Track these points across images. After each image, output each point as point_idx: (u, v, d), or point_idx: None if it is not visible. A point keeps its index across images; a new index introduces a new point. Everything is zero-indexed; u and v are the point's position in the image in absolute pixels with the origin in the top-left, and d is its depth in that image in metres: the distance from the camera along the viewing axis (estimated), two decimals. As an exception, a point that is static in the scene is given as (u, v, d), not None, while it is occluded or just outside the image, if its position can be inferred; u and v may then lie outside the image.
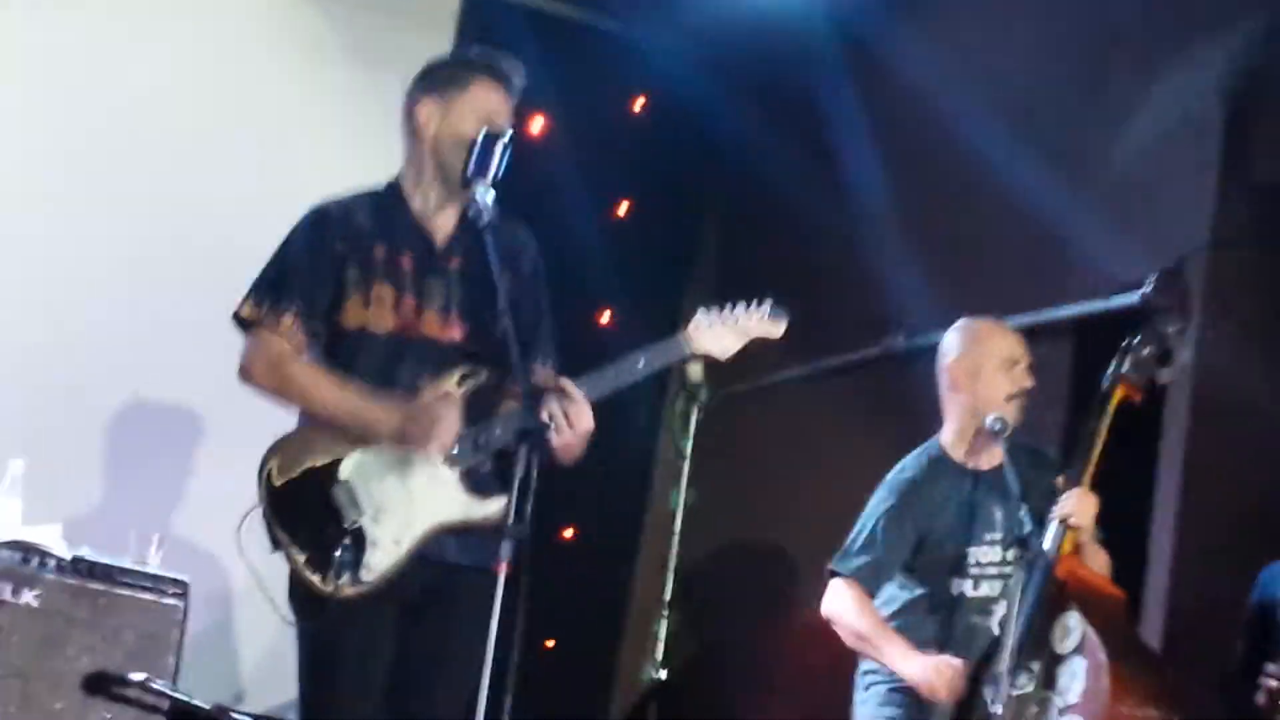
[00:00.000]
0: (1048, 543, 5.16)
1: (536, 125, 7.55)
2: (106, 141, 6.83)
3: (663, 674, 7.56)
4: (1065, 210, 6.76)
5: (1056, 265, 6.77)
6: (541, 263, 4.87)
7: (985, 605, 5.42)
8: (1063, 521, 5.20)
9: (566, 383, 4.58)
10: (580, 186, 7.67)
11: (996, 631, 5.31)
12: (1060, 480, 5.28)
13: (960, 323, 5.70)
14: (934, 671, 5.28)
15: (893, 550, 5.50)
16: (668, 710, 7.59)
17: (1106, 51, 6.81)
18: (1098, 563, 5.38)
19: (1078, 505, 5.21)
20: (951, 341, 5.67)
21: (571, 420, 4.53)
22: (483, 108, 4.72)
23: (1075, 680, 5.07)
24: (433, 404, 4.58)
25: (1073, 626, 5.12)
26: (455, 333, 4.71)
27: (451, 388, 4.61)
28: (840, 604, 5.53)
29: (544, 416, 4.48)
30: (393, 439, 4.57)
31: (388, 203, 4.78)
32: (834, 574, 5.59)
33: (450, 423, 4.57)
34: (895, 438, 5.96)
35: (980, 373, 5.56)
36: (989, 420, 5.41)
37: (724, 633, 7.71)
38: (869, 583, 5.51)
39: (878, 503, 5.60)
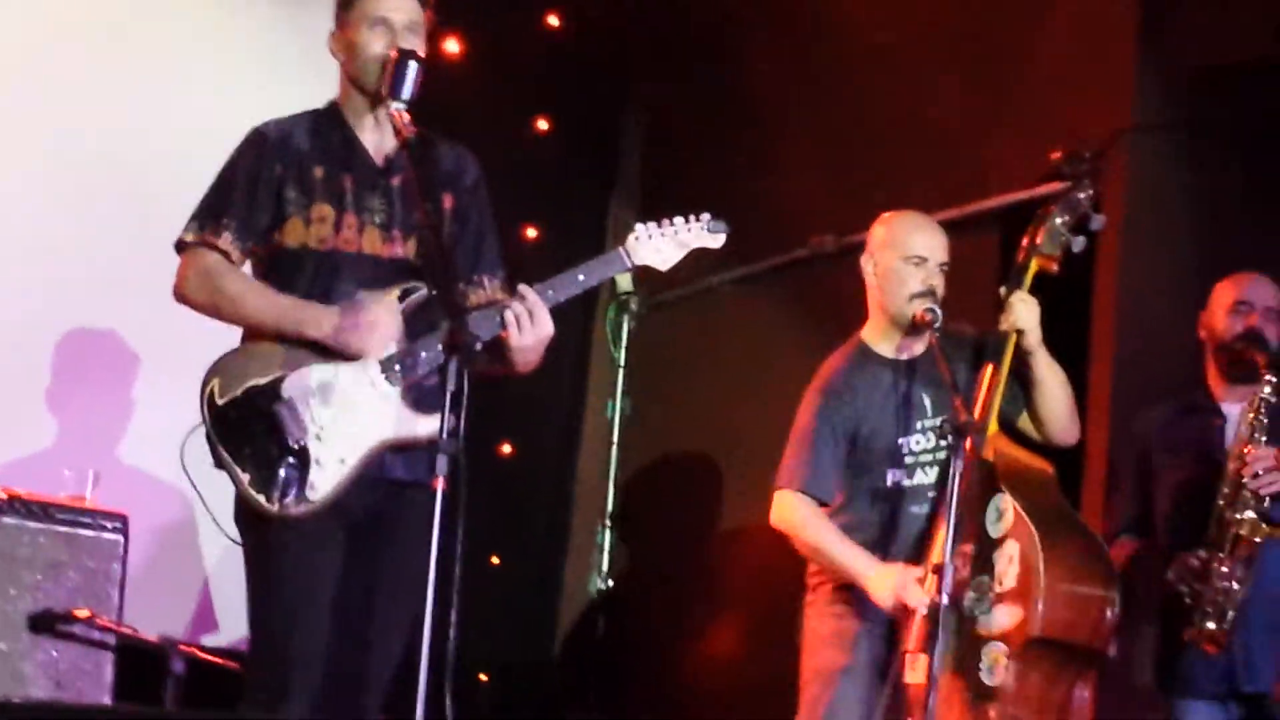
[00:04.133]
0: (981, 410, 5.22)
1: (452, 44, 7.51)
2: (25, 78, 6.75)
3: (609, 585, 7.59)
4: (987, 105, 6.79)
5: (981, 159, 6.79)
6: (483, 179, 4.89)
7: (924, 494, 5.44)
8: (1006, 331, 5.28)
9: (525, 289, 4.60)
10: (499, 103, 7.64)
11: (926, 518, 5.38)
12: (1002, 291, 5.35)
13: (884, 217, 5.69)
14: (899, 588, 5.27)
15: (830, 451, 5.49)
16: (614, 621, 7.63)
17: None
18: (1056, 379, 5.40)
19: (1016, 307, 5.28)
20: (871, 237, 5.66)
21: (534, 321, 4.55)
22: (372, 12, 4.71)
23: (1011, 565, 5.10)
24: (370, 306, 4.58)
25: (1004, 509, 5.15)
26: (397, 249, 4.72)
27: (390, 297, 4.62)
28: (789, 517, 5.51)
29: (506, 319, 4.52)
30: (327, 339, 4.57)
31: (327, 123, 4.80)
32: (779, 487, 5.59)
33: (387, 326, 4.58)
34: (829, 339, 5.95)
35: (889, 269, 5.55)
36: (921, 308, 5.41)
37: (667, 541, 7.73)
38: (815, 490, 5.51)
39: (808, 406, 5.59)
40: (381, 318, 4.58)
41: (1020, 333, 5.32)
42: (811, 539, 5.48)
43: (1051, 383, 5.40)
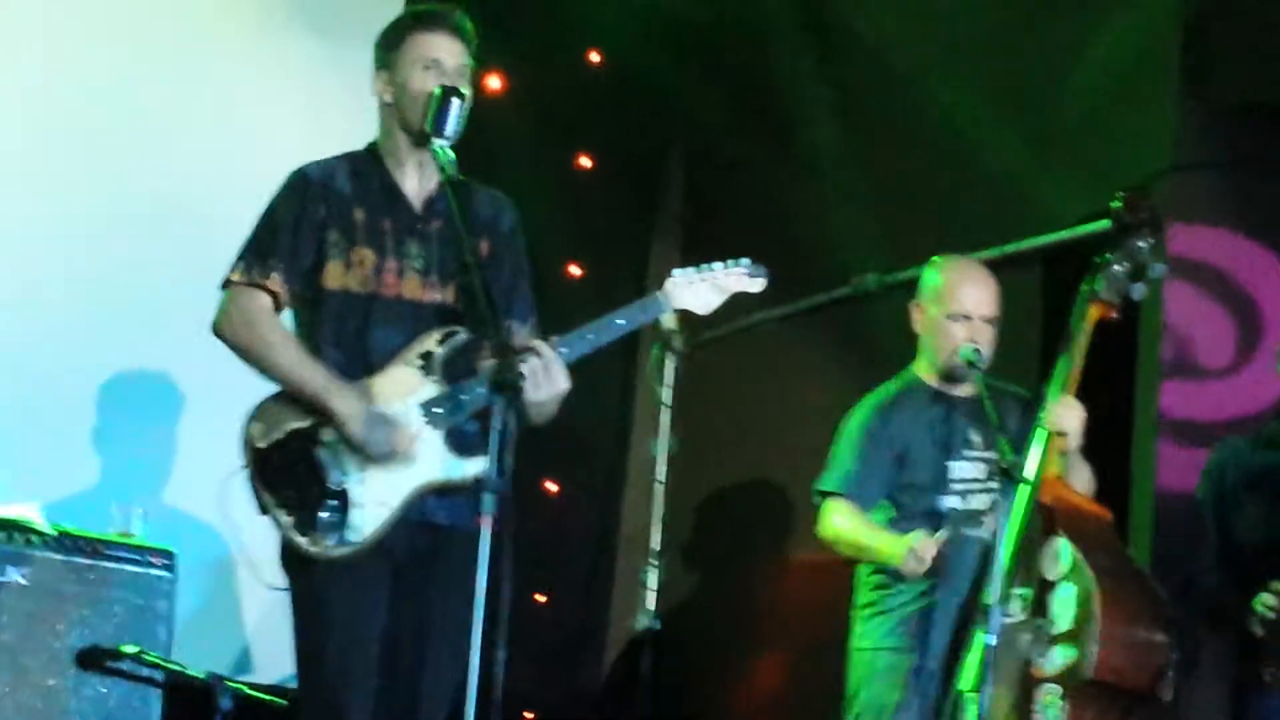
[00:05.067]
0: (1031, 467, 5.20)
1: (494, 82, 7.55)
2: (70, 116, 6.77)
3: (655, 624, 7.59)
4: (1029, 144, 6.80)
5: (1023, 198, 6.80)
6: (520, 226, 4.90)
7: (975, 517, 5.48)
8: (1048, 431, 5.25)
9: (540, 344, 4.62)
10: (540, 141, 7.66)
11: (987, 537, 5.38)
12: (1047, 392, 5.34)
13: (937, 261, 5.72)
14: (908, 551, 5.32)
15: (874, 462, 5.55)
16: (660, 660, 7.62)
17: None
18: (1082, 477, 5.42)
19: (1062, 413, 5.27)
20: (924, 281, 5.70)
21: (549, 377, 4.56)
22: (423, 55, 4.74)
23: (1067, 607, 5.11)
24: (395, 423, 4.58)
25: (1061, 552, 5.16)
26: (436, 294, 4.73)
27: (416, 423, 4.61)
28: (833, 521, 5.58)
29: (523, 373, 4.50)
30: (347, 435, 4.57)
31: (367, 166, 4.81)
32: (822, 495, 5.63)
33: (402, 445, 4.58)
34: (870, 375, 5.99)
35: (935, 322, 5.60)
36: (965, 352, 5.45)
37: (715, 579, 7.74)
38: (856, 495, 5.56)
39: (853, 421, 5.65)
40: (401, 441, 4.58)
41: (1061, 434, 5.31)
42: (851, 538, 5.54)
43: (1076, 486, 5.41)
